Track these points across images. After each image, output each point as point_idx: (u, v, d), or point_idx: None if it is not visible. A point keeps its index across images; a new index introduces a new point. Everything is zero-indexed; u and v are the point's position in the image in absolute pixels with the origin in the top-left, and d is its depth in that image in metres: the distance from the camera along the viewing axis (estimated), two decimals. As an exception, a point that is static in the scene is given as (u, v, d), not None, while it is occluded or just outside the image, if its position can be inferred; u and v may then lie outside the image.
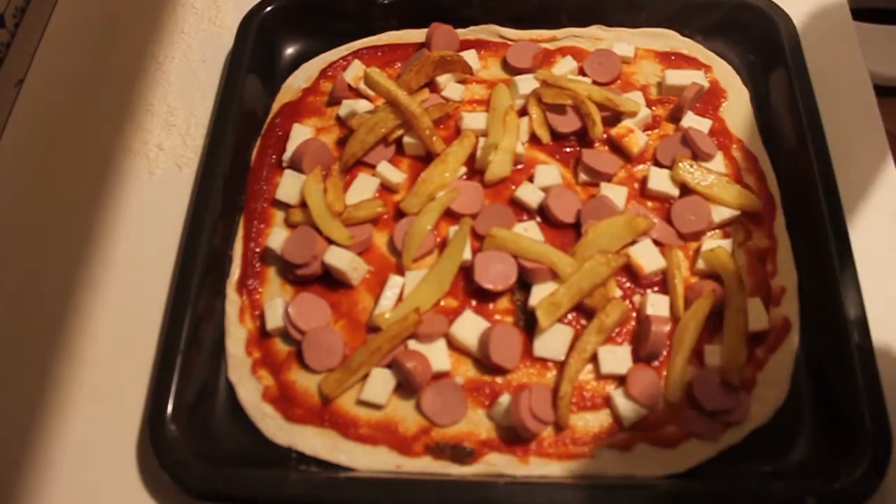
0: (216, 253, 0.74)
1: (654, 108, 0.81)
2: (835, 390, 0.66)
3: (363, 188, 0.77)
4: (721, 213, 0.74)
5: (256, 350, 0.71)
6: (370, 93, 0.82)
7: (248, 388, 0.69)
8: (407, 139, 0.79)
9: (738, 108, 0.82)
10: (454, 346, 0.70)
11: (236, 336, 0.72)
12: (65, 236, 0.79)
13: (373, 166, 0.79)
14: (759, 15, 0.84)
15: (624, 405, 0.66)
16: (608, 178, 0.77)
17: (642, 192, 0.77)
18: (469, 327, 0.69)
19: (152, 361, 0.71)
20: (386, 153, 0.79)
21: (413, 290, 0.71)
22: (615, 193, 0.75)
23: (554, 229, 0.75)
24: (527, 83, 0.81)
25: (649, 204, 0.76)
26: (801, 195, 0.75)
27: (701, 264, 0.72)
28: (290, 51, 0.89)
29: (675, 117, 0.81)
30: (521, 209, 0.76)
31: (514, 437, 0.66)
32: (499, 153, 0.77)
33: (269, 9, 0.87)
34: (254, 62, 0.84)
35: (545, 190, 0.76)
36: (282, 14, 0.87)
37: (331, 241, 0.73)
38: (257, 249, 0.76)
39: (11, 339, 0.74)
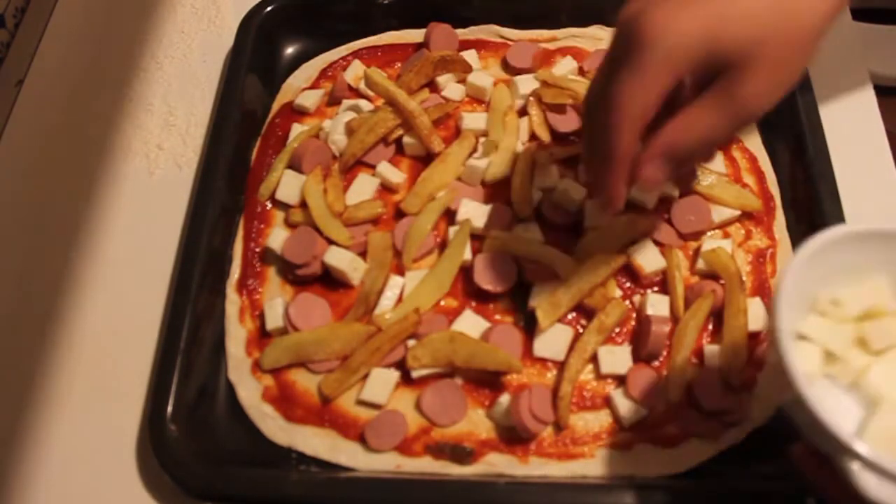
0: (216, 253, 0.74)
1: (654, 108, 0.81)
2: (835, 390, 0.66)
3: (363, 188, 0.77)
4: (721, 213, 0.74)
5: (256, 350, 0.71)
6: (370, 93, 0.82)
7: (248, 388, 0.69)
8: (407, 139, 0.79)
9: (738, 108, 0.82)
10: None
11: (236, 336, 0.72)
12: (64, 236, 0.79)
13: (373, 166, 0.79)
14: (759, 15, 0.84)
15: (624, 405, 0.66)
16: (609, 178, 0.77)
17: (642, 192, 0.77)
18: (469, 327, 0.69)
19: (152, 361, 0.71)
20: (386, 153, 0.79)
21: (413, 290, 0.71)
22: (615, 193, 0.75)
23: (554, 229, 0.75)
24: (527, 83, 0.81)
25: (649, 204, 0.76)
26: (801, 195, 0.75)
27: (701, 264, 0.72)
28: (290, 51, 0.89)
29: (675, 117, 0.81)
30: (521, 209, 0.76)
31: (514, 437, 0.66)
32: (499, 153, 0.77)
33: (269, 9, 0.87)
34: (254, 62, 0.84)
35: (544, 191, 0.76)
36: (282, 14, 0.87)
37: (331, 241, 0.73)
38: (257, 249, 0.76)
39: (10, 339, 0.74)
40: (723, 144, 0.77)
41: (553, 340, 0.69)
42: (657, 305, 0.70)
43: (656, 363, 0.68)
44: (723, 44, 0.46)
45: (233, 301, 0.73)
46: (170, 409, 0.65)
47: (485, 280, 0.71)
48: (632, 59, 0.48)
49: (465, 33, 0.87)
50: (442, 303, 0.72)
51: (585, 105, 0.56)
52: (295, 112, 0.84)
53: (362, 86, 0.82)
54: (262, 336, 0.72)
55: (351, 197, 0.77)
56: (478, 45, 0.87)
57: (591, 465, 0.64)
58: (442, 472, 0.65)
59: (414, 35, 0.88)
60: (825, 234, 0.50)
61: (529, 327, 0.70)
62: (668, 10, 0.46)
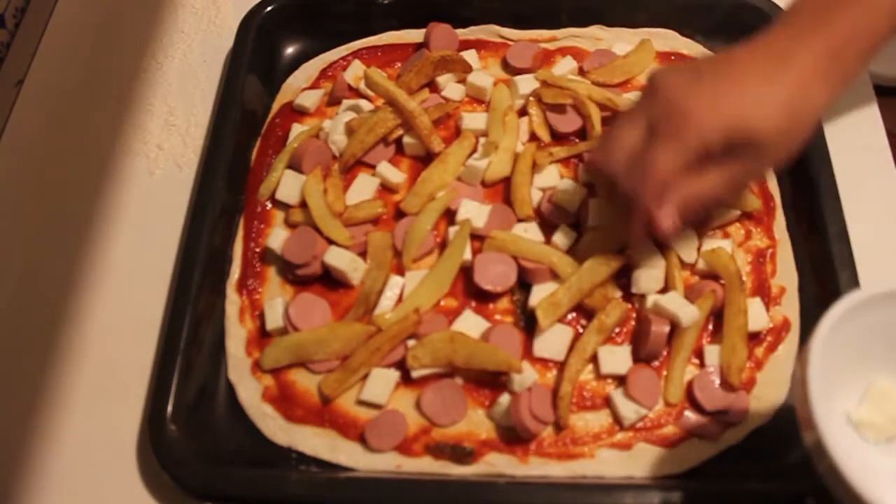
0: (216, 253, 0.74)
1: (654, 108, 0.81)
2: (835, 390, 0.66)
3: (363, 188, 0.77)
4: (721, 214, 0.74)
5: (256, 350, 0.71)
6: (370, 93, 0.82)
7: (248, 388, 0.69)
8: (407, 139, 0.79)
9: (738, 108, 0.81)
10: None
11: (236, 336, 0.72)
12: (64, 236, 0.79)
13: (373, 166, 0.79)
14: (759, 15, 0.84)
15: (624, 405, 0.66)
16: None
17: (642, 192, 0.77)
18: (469, 327, 0.69)
19: (152, 361, 0.71)
20: (386, 153, 0.79)
21: (413, 290, 0.71)
22: (615, 193, 0.75)
23: (554, 230, 0.75)
24: (527, 83, 0.81)
25: (649, 204, 0.76)
26: (801, 195, 0.75)
27: (701, 264, 0.72)
28: (290, 51, 0.89)
29: (675, 117, 0.81)
30: (521, 209, 0.76)
31: (514, 437, 0.66)
32: (499, 153, 0.77)
33: (269, 9, 0.87)
34: (254, 62, 0.84)
35: (544, 191, 0.76)
36: (282, 14, 0.87)
37: (331, 241, 0.73)
38: (257, 249, 0.76)
39: (11, 339, 0.74)
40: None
41: (553, 340, 0.69)
42: (657, 305, 0.70)
43: (656, 363, 0.68)
44: (744, 134, 0.58)
45: (233, 301, 0.73)
46: (170, 409, 0.65)
47: (485, 280, 0.71)
48: (674, 137, 0.59)
49: (465, 33, 0.87)
50: (442, 303, 0.72)
51: (612, 161, 0.63)
52: (295, 112, 0.84)
53: (362, 86, 0.82)
54: (262, 336, 0.72)
55: (351, 197, 0.77)
56: (478, 45, 0.87)
57: (591, 465, 0.64)
58: (442, 472, 0.65)
59: (414, 35, 0.88)
60: (837, 306, 0.52)
61: (529, 327, 0.70)
62: (707, 101, 0.59)
